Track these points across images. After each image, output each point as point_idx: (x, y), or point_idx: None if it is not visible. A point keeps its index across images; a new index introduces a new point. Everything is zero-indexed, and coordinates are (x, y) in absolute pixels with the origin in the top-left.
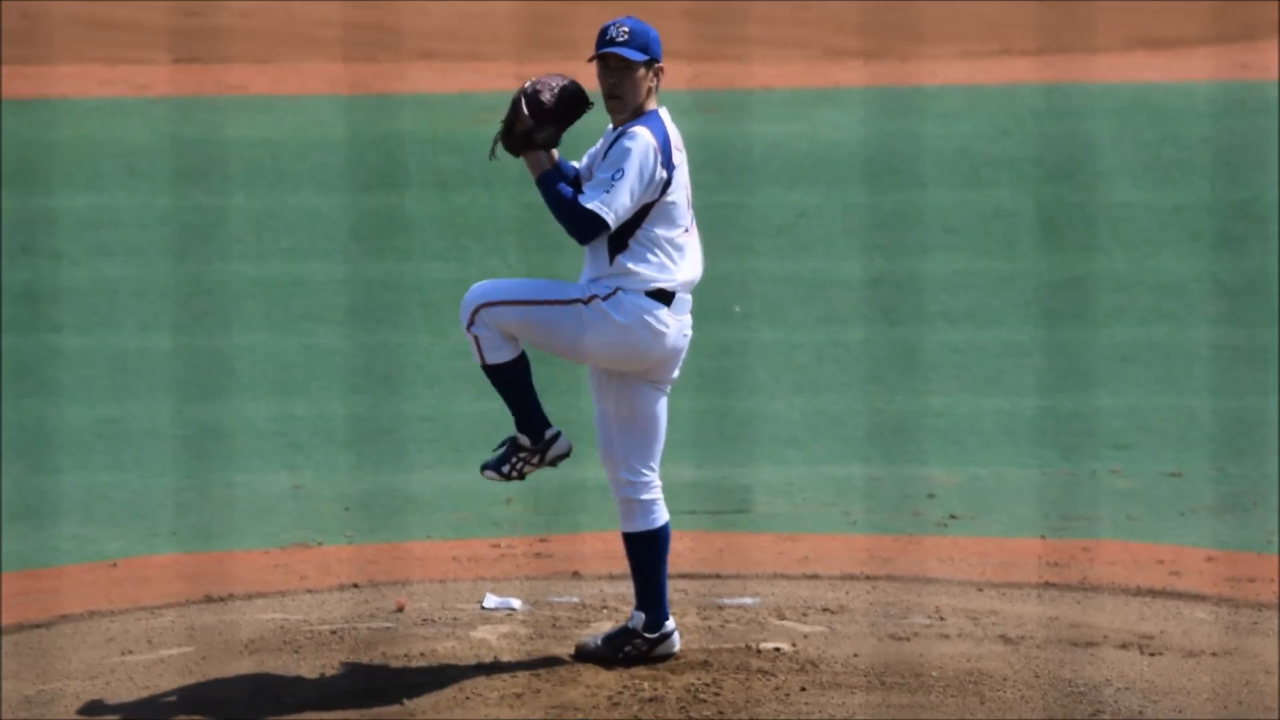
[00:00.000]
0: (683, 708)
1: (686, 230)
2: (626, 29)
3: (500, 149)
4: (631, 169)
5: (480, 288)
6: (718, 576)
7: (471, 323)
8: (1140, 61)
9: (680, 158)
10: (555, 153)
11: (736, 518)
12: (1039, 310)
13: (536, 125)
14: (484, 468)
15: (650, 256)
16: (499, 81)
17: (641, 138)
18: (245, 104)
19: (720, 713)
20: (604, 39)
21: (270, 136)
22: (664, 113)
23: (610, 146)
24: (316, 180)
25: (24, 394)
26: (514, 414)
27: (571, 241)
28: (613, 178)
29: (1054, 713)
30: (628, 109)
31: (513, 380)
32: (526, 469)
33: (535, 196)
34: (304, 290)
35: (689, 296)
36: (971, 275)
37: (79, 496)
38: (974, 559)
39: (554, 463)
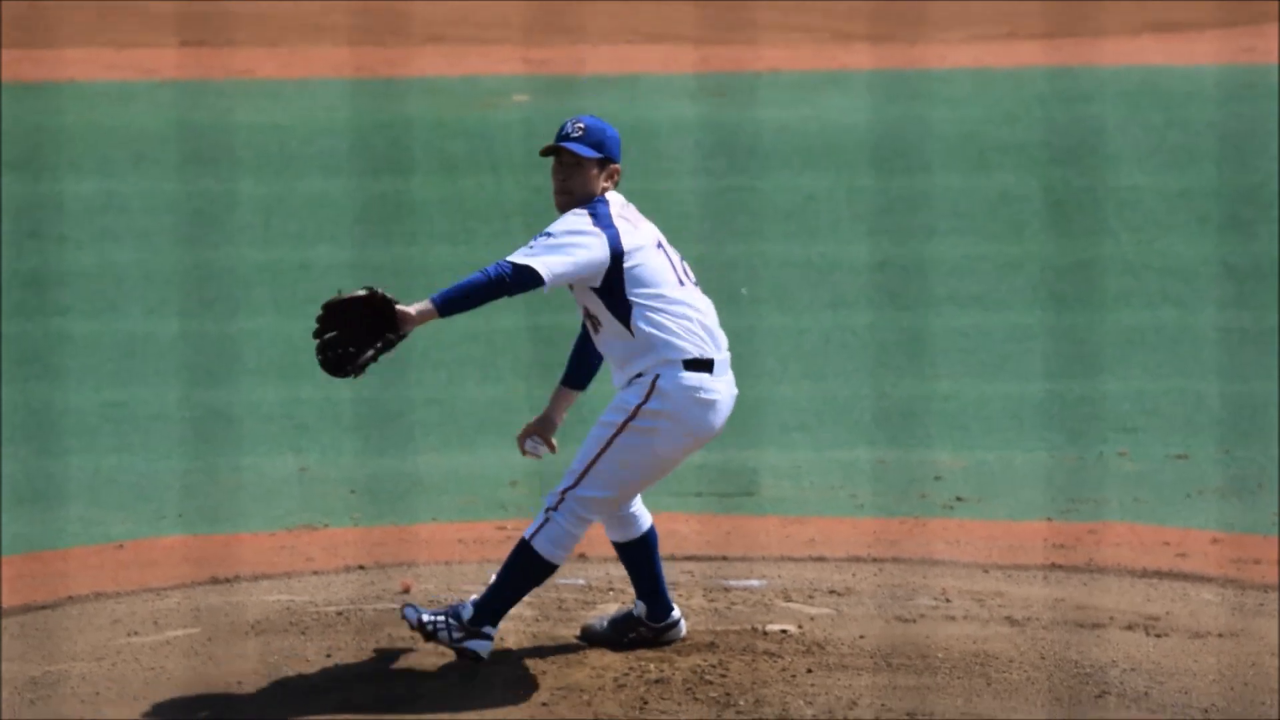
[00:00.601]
0: (689, 689)
1: (682, 285)
2: (583, 125)
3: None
4: (557, 231)
5: (571, 467)
6: (724, 559)
7: (560, 504)
8: (1148, 45)
9: (632, 222)
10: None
11: (743, 500)
12: (1046, 294)
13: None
14: (406, 608)
15: (664, 320)
16: (506, 66)
17: (570, 213)
18: (253, 89)
19: (727, 694)
20: (560, 134)
21: (278, 121)
22: (613, 196)
23: None
24: (324, 165)
25: (31, 378)
26: (495, 597)
27: None
28: (535, 238)
29: (1060, 694)
30: (573, 203)
31: (533, 579)
32: (442, 635)
33: (541, 180)
34: (310, 275)
35: (728, 355)
36: (979, 259)
37: (85, 479)
38: (980, 541)
39: (462, 654)
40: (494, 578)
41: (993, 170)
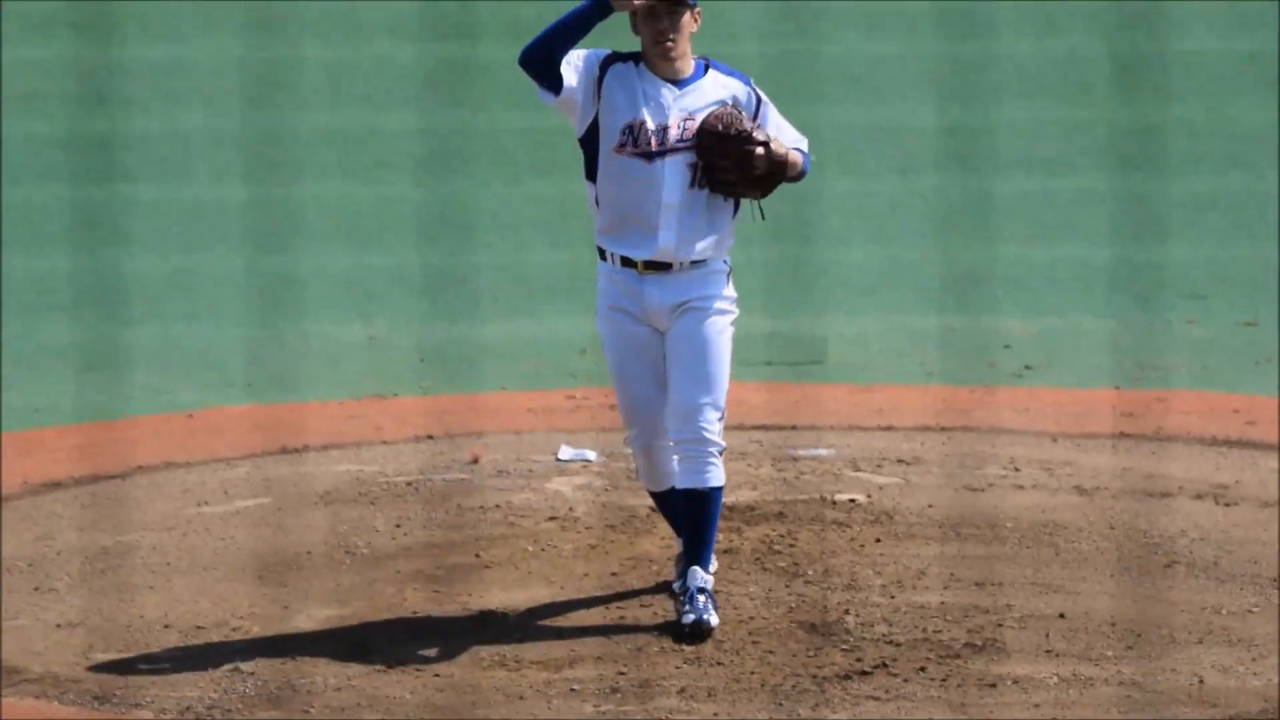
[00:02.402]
0: (758, 559)
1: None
2: None
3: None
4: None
5: (712, 396)
6: (793, 428)
7: (718, 434)
8: None
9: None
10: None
11: (811, 369)
12: (1114, 158)
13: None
14: (694, 627)
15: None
16: None
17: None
18: None
19: (795, 564)
20: None
21: None
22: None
23: (756, 107)
24: (391, 28)
25: (98, 244)
26: (710, 547)
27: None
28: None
29: (1129, 563)
30: (680, 63)
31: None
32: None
33: (613, 40)
34: (378, 139)
35: None
36: (1046, 123)
37: (153, 347)
38: (1049, 410)
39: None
40: (697, 537)
41: (1060, 33)
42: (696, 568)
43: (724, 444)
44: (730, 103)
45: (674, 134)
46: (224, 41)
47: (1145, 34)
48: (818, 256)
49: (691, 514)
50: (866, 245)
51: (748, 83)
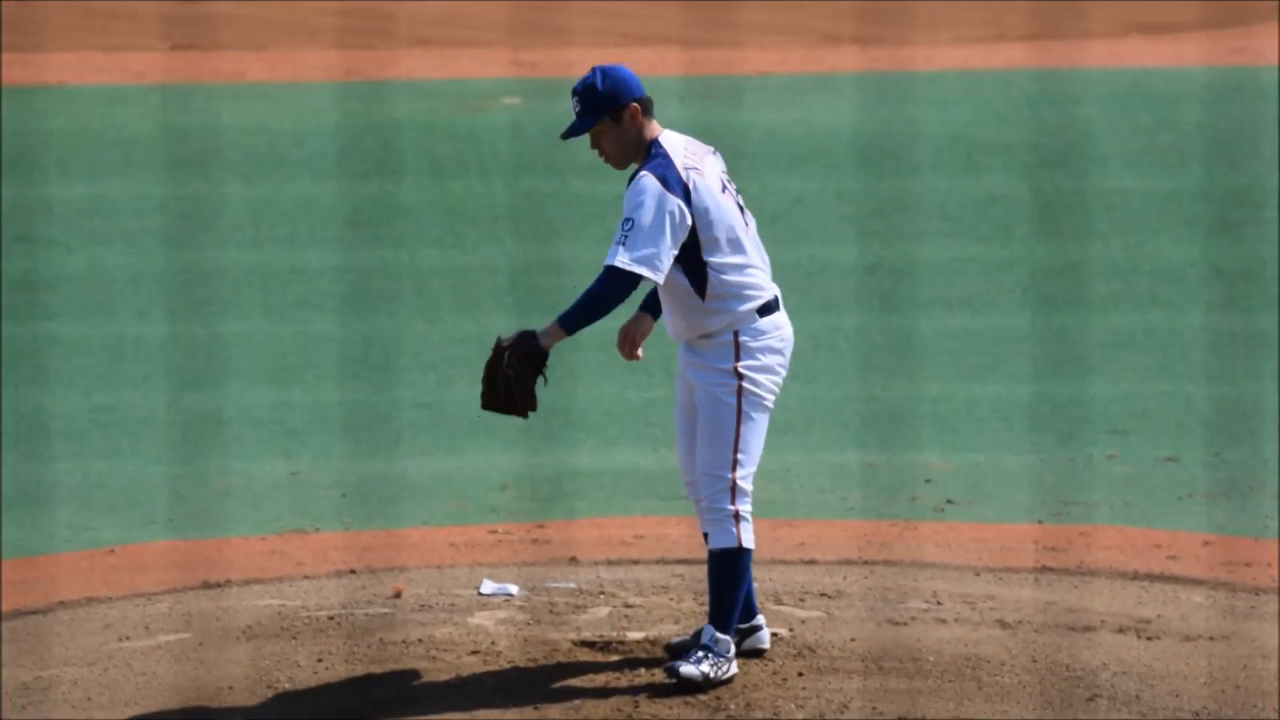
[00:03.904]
0: (680, 693)
1: (746, 227)
2: (578, 95)
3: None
4: (645, 215)
5: (715, 462)
6: None
7: (734, 498)
8: (1136, 47)
9: (700, 171)
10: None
11: None
12: (1035, 296)
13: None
14: (676, 671)
15: (735, 279)
16: (494, 68)
17: (643, 180)
18: (242, 91)
19: (717, 698)
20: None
21: (267, 124)
22: (665, 136)
23: (625, 198)
24: (313, 168)
25: (21, 382)
26: (727, 609)
27: (568, 227)
28: (624, 229)
29: (1051, 697)
30: (624, 160)
31: (748, 568)
32: (725, 670)
33: (531, 183)
34: (300, 278)
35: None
36: (967, 261)
37: (75, 484)
38: (971, 544)
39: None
40: (714, 597)
41: (981, 172)
42: (708, 625)
43: (732, 508)
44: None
45: None
46: (145, 180)
47: (1065, 173)
48: None
49: (708, 573)
50: (788, 383)
51: (636, 174)
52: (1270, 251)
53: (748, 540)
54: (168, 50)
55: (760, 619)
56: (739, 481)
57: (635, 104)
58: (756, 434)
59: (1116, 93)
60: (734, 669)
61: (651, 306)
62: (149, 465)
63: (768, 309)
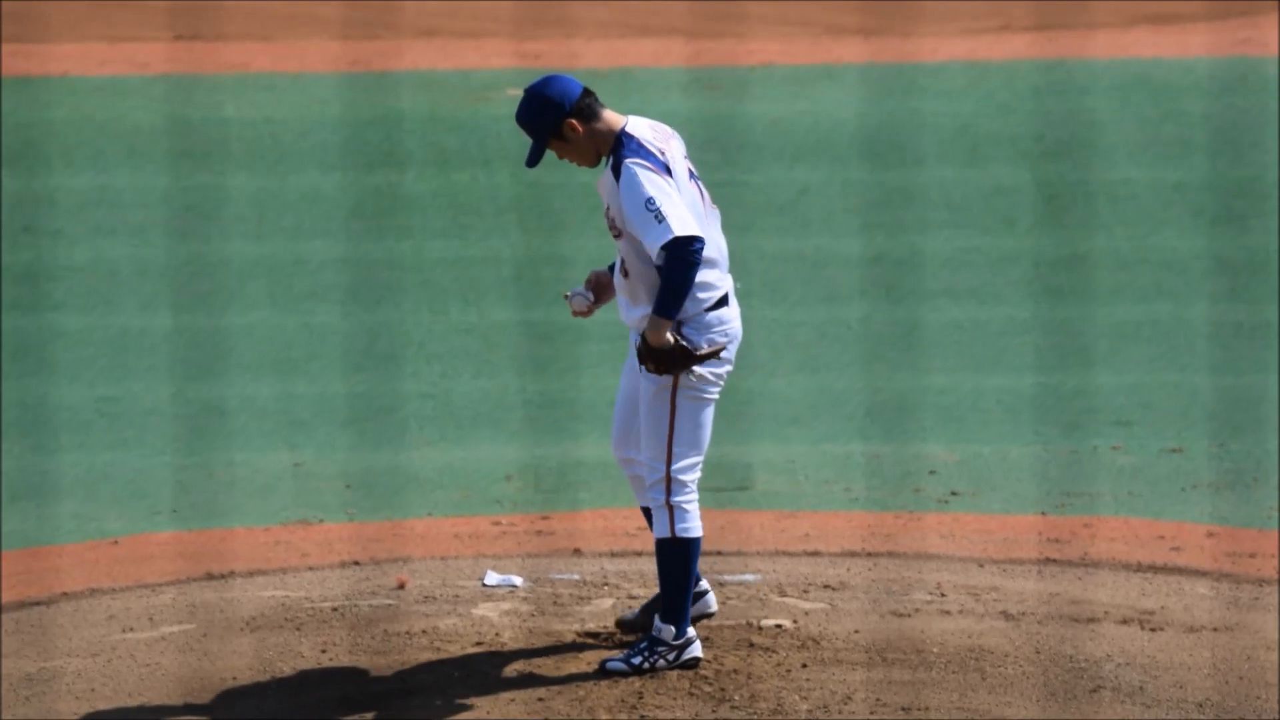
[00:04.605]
0: (684, 684)
1: (707, 216)
2: (521, 123)
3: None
4: (657, 189)
5: (651, 453)
6: (719, 554)
7: (670, 491)
8: (1141, 38)
9: (670, 148)
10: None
11: (737, 495)
12: (1040, 287)
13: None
14: (608, 662)
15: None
16: (499, 59)
17: (632, 169)
18: (246, 82)
19: (722, 689)
20: None
21: (270, 115)
22: (631, 124)
23: (619, 197)
24: (317, 159)
25: (25, 373)
26: (669, 600)
27: (572, 219)
28: (650, 208)
29: (1055, 688)
30: (590, 161)
31: (692, 559)
32: (660, 663)
33: (536, 175)
34: (305, 269)
35: (733, 281)
36: (972, 252)
37: (80, 475)
38: (975, 535)
39: (685, 666)
40: (659, 588)
41: (986, 163)
42: (655, 617)
43: (665, 500)
44: (606, 208)
45: (607, 221)
46: (149, 171)
47: (1070, 164)
48: (744, 385)
49: (657, 561)
50: (792, 374)
51: (616, 166)
52: (1274, 242)
53: (684, 532)
54: (172, 41)
55: (704, 583)
56: (675, 475)
57: (570, 119)
58: (695, 426)
59: (1121, 84)
60: (687, 655)
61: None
62: (153, 456)
63: (718, 304)
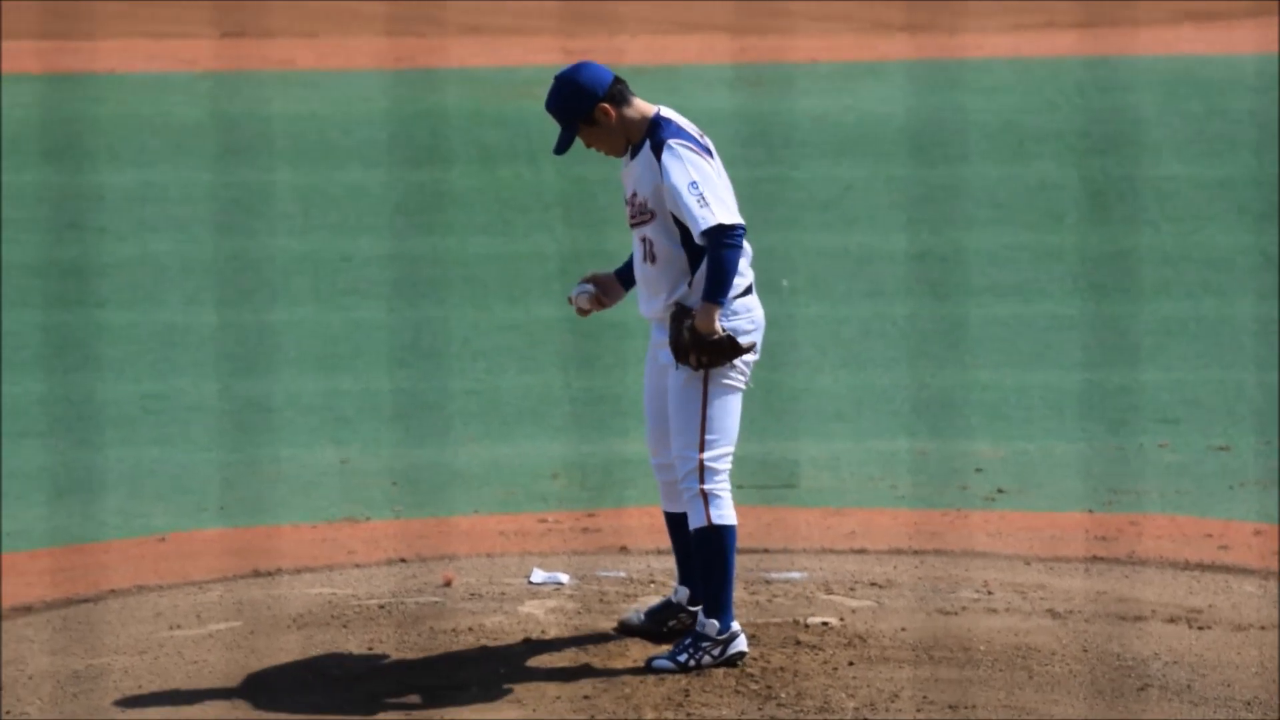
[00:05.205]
0: (731, 682)
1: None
2: (551, 112)
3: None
4: (700, 173)
5: (683, 443)
6: (765, 551)
7: (703, 478)
8: (1186, 34)
9: (706, 140)
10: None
11: (783, 492)
12: (1085, 284)
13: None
14: (654, 660)
15: None
16: (543, 55)
17: (672, 148)
18: (291, 79)
19: (768, 687)
20: None
21: (316, 111)
22: (667, 111)
23: (662, 177)
24: (362, 155)
25: (71, 369)
26: (711, 594)
27: (617, 215)
28: (694, 191)
29: (1102, 687)
30: (619, 148)
31: (730, 548)
32: (706, 660)
33: (581, 170)
34: (350, 265)
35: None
36: (1018, 249)
37: (126, 471)
38: (1021, 533)
39: (731, 661)
40: (700, 581)
41: (1031, 160)
42: (699, 612)
43: (699, 487)
44: (634, 194)
45: (629, 210)
46: (195, 167)
47: (1116, 160)
48: (789, 381)
49: (694, 554)
50: (837, 370)
51: (657, 146)
52: None
53: (719, 518)
54: (218, 38)
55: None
56: (708, 462)
57: (603, 104)
58: (726, 414)
59: (1167, 80)
60: (732, 650)
61: (624, 277)
62: (199, 452)
63: (745, 292)
